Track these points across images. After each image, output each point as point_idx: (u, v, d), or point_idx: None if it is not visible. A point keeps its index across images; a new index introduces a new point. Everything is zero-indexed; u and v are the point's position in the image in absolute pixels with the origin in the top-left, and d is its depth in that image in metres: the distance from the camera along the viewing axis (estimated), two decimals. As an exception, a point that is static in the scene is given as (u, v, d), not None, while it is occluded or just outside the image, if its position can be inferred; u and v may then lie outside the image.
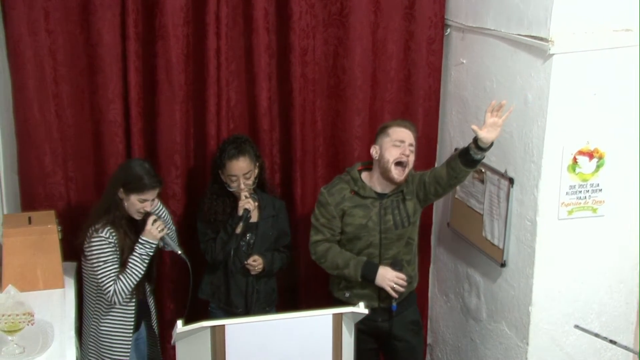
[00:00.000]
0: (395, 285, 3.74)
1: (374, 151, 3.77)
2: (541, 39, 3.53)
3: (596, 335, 3.70)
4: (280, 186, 4.33)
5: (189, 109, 4.13)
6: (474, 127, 3.57)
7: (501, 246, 3.93)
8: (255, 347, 3.26)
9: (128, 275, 3.65)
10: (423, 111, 4.39)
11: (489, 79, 3.99)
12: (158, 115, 4.07)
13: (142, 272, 3.68)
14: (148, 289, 3.91)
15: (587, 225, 3.75)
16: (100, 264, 3.63)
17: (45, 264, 3.80)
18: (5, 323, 3.30)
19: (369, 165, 3.85)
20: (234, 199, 3.92)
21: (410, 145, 3.72)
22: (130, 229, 3.71)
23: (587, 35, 3.51)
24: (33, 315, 3.37)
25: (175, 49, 3.97)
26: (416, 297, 4.04)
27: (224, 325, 3.22)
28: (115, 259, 3.64)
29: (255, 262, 3.94)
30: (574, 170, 3.66)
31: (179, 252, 3.79)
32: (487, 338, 4.16)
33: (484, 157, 3.64)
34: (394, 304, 3.79)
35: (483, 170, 4.02)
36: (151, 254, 3.70)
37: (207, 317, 3.95)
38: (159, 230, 3.69)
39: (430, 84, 4.37)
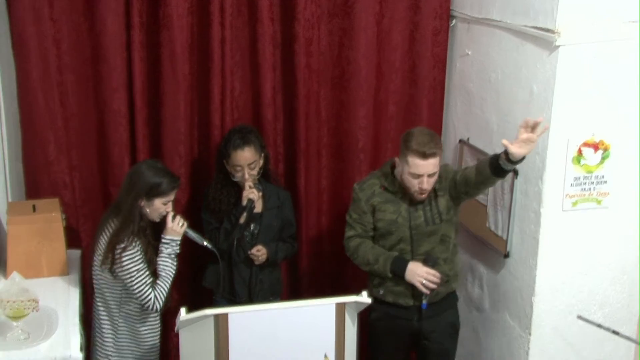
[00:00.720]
0: (425, 282, 3.64)
1: (397, 165, 3.68)
2: (547, 30, 3.53)
3: (599, 326, 3.69)
4: (284, 176, 4.33)
5: (193, 99, 4.13)
6: (505, 141, 3.37)
7: (505, 237, 3.93)
8: (258, 336, 3.27)
9: (163, 278, 3.60)
10: (428, 102, 4.39)
11: (494, 70, 3.99)
12: (162, 105, 4.07)
13: (175, 271, 3.64)
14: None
15: (591, 216, 3.75)
16: (135, 275, 3.52)
17: (50, 252, 3.82)
18: (11, 309, 3.33)
19: None
20: (239, 188, 3.93)
21: (430, 175, 3.57)
22: (152, 235, 3.64)
23: (593, 27, 3.50)
24: (38, 302, 3.39)
25: (179, 39, 3.97)
26: (457, 299, 3.93)
27: (227, 313, 3.23)
28: (146, 267, 3.56)
29: (259, 252, 3.94)
30: (579, 162, 3.66)
31: (205, 242, 3.77)
32: (490, 328, 4.16)
33: (514, 169, 3.48)
34: (424, 301, 3.69)
35: (487, 162, 4.02)
36: (178, 251, 3.65)
37: (211, 306, 3.95)
38: (180, 225, 3.64)
39: (435, 75, 4.37)
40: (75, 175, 4.11)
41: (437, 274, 3.65)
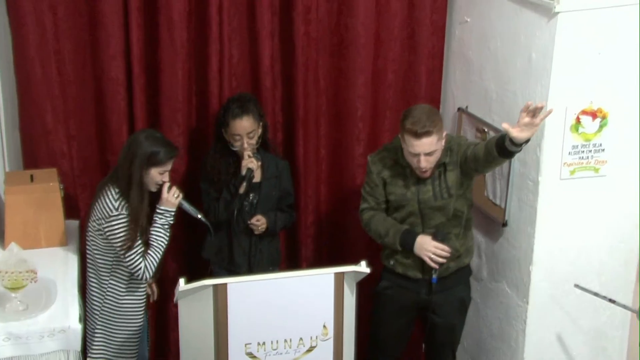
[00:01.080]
0: (433, 256, 3.64)
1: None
2: (546, -4, 3.50)
3: (595, 294, 3.72)
4: (282, 145, 4.32)
5: (191, 67, 4.10)
6: (505, 125, 3.32)
7: (503, 206, 3.93)
8: (257, 306, 3.29)
9: (154, 248, 3.60)
10: (426, 70, 4.36)
11: (493, 37, 3.95)
12: (160, 73, 4.04)
13: (167, 242, 3.65)
14: None
15: (589, 185, 3.75)
16: (126, 241, 3.52)
17: (48, 222, 3.82)
18: (9, 280, 3.34)
19: None
20: (237, 158, 3.92)
21: (427, 154, 3.53)
22: (148, 204, 3.64)
23: (592, -6, 3.47)
24: (36, 273, 3.40)
25: (177, 6, 3.93)
26: (470, 274, 3.94)
27: (226, 283, 3.24)
28: (138, 236, 3.56)
29: (259, 222, 3.94)
30: (577, 130, 3.65)
31: (199, 216, 3.77)
32: (488, 297, 4.18)
33: (520, 151, 3.42)
34: (434, 276, 3.69)
35: (486, 130, 4.01)
36: (172, 222, 3.66)
37: (210, 277, 3.97)
38: (175, 196, 3.64)
39: (434, 42, 4.33)
40: (73, 144, 4.10)
41: (447, 249, 3.65)
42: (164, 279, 4.22)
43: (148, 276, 3.60)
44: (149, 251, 3.59)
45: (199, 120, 4.20)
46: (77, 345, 3.38)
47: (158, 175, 3.58)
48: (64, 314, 3.39)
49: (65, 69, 3.99)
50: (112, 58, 3.97)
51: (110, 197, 3.54)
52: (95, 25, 3.94)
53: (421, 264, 3.72)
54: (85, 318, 3.66)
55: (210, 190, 3.95)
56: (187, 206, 3.74)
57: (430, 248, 3.64)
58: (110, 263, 3.64)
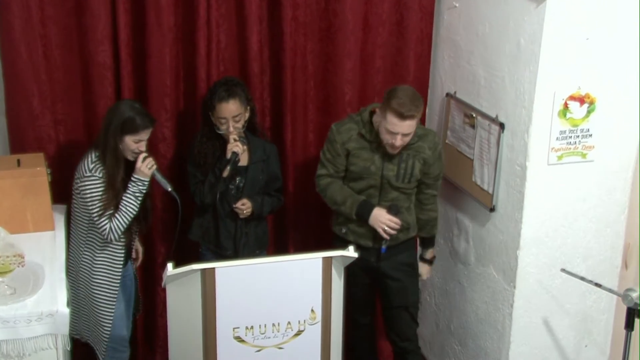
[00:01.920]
0: (386, 228, 3.80)
1: (377, 114, 3.75)
2: (535, -18, 3.50)
3: (582, 278, 3.75)
4: (270, 130, 4.31)
5: (178, 52, 4.09)
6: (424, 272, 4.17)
7: (491, 191, 3.95)
8: (245, 290, 3.30)
9: (123, 213, 3.67)
10: (415, 55, 4.36)
11: (481, 23, 3.95)
12: (148, 58, 4.02)
13: (136, 210, 3.71)
14: (136, 230, 3.94)
15: (576, 170, 3.77)
16: (96, 202, 3.64)
17: (35, 207, 3.80)
18: (-4, 265, 3.33)
19: None
20: (224, 142, 3.91)
21: (404, 135, 3.68)
22: (124, 171, 3.72)
23: (581, -21, 3.48)
24: (23, 257, 3.40)
25: (164, -11, 3.92)
26: (414, 244, 4.13)
27: (214, 268, 3.24)
28: (108, 197, 3.66)
29: (244, 206, 3.94)
30: (565, 115, 3.66)
31: (169, 189, 3.80)
32: (475, 282, 4.20)
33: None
34: (384, 246, 3.86)
35: (474, 115, 4.01)
36: (144, 191, 3.71)
37: (197, 259, 3.98)
38: (149, 167, 3.70)
39: (422, 27, 4.33)
40: (60, 129, 4.08)
41: (399, 222, 3.84)
42: (154, 263, 4.22)
43: (113, 238, 3.69)
44: (117, 214, 3.68)
45: (186, 106, 4.19)
46: (65, 329, 3.37)
47: (132, 143, 3.66)
48: (52, 298, 3.38)
49: (52, 54, 3.96)
50: (99, 43, 3.95)
51: (89, 160, 3.67)
52: (82, 10, 3.92)
53: (373, 233, 3.86)
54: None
55: (197, 174, 3.95)
56: (159, 177, 3.79)
57: (384, 220, 3.81)
58: (87, 223, 3.74)
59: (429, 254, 4.17)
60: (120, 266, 3.81)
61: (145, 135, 3.67)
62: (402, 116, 3.61)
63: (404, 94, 3.64)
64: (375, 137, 3.79)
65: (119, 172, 3.68)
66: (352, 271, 3.86)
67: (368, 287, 4.10)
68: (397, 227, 3.83)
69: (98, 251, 3.77)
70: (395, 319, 4.10)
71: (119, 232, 3.69)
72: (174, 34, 4.01)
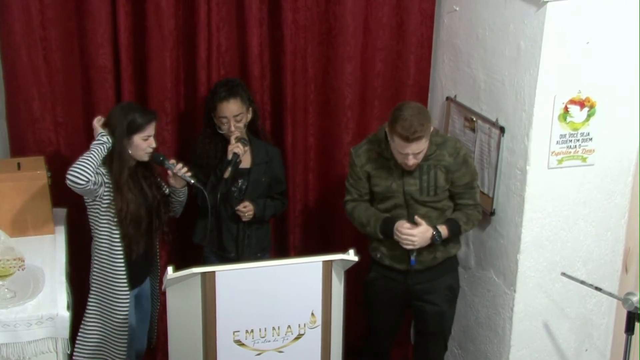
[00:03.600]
0: (404, 237, 3.65)
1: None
2: (535, -14, 3.50)
3: (582, 282, 3.75)
4: (270, 133, 4.31)
5: (179, 55, 4.09)
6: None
7: (491, 195, 3.95)
8: (245, 294, 3.29)
9: (84, 156, 3.51)
10: (415, 59, 4.36)
11: (481, 26, 3.95)
12: (148, 61, 4.03)
13: (97, 156, 3.50)
14: (157, 242, 3.89)
15: (576, 174, 3.77)
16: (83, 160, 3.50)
17: (35, 210, 3.80)
18: (-4, 268, 3.33)
19: None
20: (226, 143, 3.92)
21: (415, 154, 3.56)
22: (134, 183, 3.66)
23: (581, -17, 3.48)
24: (24, 261, 3.39)
25: (164, -7, 3.92)
26: (457, 264, 3.97)
27: (214, 271, 3.24)
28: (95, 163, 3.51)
29: (245, 209, 3.94)
30: (565, 119, 3.66)
31: (192, 181, 3.74)
32: (476, 285, 4.20)
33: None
34: (412, 257, 3.72)
35: (474, 119, 4.01)
36: (107, 146, 3.54)
37: (201, 262, 3.98)
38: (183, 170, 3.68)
39: (422, 31, 4.33)
40: (60, 132, 4.08)
41: (414, 232, 3.65)
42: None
43: (71, 180, 3.43)
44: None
45: (187, 109, 4.19)
46: (65, 333, 3.37)
47: (142, 142, 3.61)
48: (52, 301, 3.38)
49: (52, 57, 3.97)
50: (99, 46, 3.95)
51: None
52: (82, 13, 3.92)
53: (406, 255, 3.75)
54: (74, 306, 3.65)
55: (199, 175, 3.95)
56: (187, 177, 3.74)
57: (402, 230, 3.65)
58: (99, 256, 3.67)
59: (442, 229, 3.74)
60: (125, 286, 3.70)
61: (151, 129, 3.63)
62: (408, 140, 3.50)
63: (407, 113, 3.50)
64: (392, 154, 3.67)
65: (124, 176, 3.61)
66: (384, 298, 3.85)
67: (397, 312, 3.99)
68: (414, 235, 3.64)
69: (95, 267, 3.68)
70: (426, 344, 4.02)
71: (73, 173, 3.43)
72: (175, 37, 4.02)
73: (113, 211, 3.60)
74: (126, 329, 3.71)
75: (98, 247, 3.65)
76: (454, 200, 3.80)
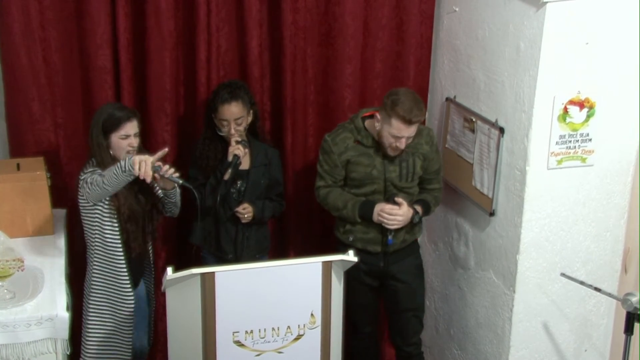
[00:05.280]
0: (388, 216, 3.77)
1: (377, 119, 3.76)
2: (534, -14, 3.50)
3: (581, 282, 3.75)
4: (270, 134, 4.31)
5: (178, 56, 4.09)
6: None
7: (490, 195, 3.95)
8: (245, 294, 3.29)
9: (106, 179, 3.44)
10: (415, 59, 4.36)
11: (481, 27, 3.96)
12: (148, 62, 4.03)
13: (114, 180, 3.41)
14: (150, 245, 3.88)
15: (576, 174, 3.77)
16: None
17: (35, 211, 3.81)
18: (-4, 269, 3.33)
19: (374, 111, 3.83)
20: (226, 145, 3.91)
21: (409, 137, 3.74)
22: (128, 185, 3.58)
23: (580, -16, 3.48)
24: (23, 262, 3.39)
25: (164, -6, 3.92)
26: (419, 247, 4.14)
27: (213, 272, 3.24)
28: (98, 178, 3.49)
29: (245, 210, 3.94)
30: (565, 120, 3.66)
31: (181, 182, 3.61)
32: (475, 286, 4.20)
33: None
34: (390, 237, 3.84)
35: (474, 120, 4.02)
36: (128, 177, 3.41)
37: (199, 262, 3.98)
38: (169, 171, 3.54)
39: (422, 32, 4.33)
40: (60, 133, 4.08)
41: (399, 211, 3.78)
42: (155, 267, 4.22)
43: (87, 190, 3.46)
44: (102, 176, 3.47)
45: (186, 110, 4.19)
46: (65, 333, 3.37)
47: (121, 141, 3.57)
48: (52, 302, 3.38)
49: (52, 58, 3.97)
50: (99, 47, 3.95)
51: (85, 167, 3.62)
52: (82, 14, 3.92)
53: (380, 237, 3.85)
54: (74, 307, 3.65)
55: (199, 176, 3.96)
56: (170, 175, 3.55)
57: (387, 210, 3.77)
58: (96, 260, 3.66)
59: (419, 208, 3.90)
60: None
61: (130, 129, 3.57)
62: (410, 122, 3.67)
63: (407, 98, 3.68)
64: (372, 142, 3.81)
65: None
66: (357, 278, 3.89)
67: (374, 293, 4.08)
68: (400, 215, 3.77)
69: (92, 270, 3.68)
70: (402, 323, 4.10)
71: (92, 186, 3.43)
72: (174, 38, 4.02)
73: (113, 209, 3.59)
74: (132, 324, 3.73)
75: (98, 247, 3.64)
76: (423, 185, 4.00)
